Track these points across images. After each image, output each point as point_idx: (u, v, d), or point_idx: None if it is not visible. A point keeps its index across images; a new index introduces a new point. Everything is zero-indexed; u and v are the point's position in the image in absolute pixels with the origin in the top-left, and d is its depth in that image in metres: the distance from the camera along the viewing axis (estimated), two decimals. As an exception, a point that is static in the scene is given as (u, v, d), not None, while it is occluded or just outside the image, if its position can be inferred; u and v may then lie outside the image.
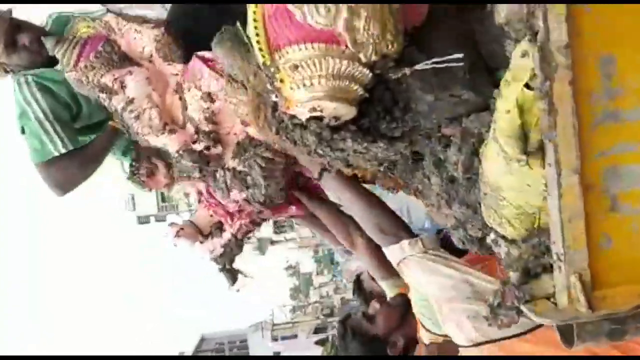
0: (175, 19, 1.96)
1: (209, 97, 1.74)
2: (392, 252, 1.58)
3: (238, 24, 1.27)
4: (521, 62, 0.98)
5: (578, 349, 1.05)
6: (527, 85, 0.96)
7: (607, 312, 0.99)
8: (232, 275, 2.39)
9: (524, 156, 0.97)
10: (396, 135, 1.25)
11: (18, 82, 2.00)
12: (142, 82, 1.86)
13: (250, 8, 1.13)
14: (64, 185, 2.01)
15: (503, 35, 1.10)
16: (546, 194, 1.02)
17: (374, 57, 1.11)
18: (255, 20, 1.12)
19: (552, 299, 1.02)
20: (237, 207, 2.12)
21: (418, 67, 1.17)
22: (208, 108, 1.76)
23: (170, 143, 1.83)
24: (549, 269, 1.05)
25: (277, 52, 1.13)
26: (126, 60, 1.91)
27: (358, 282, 2.80)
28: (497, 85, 1.22)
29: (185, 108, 1.81)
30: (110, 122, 2.02)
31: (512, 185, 1.09)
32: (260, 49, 1.13)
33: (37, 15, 2.19)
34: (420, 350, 2.00)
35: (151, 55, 1.89)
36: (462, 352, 1.52)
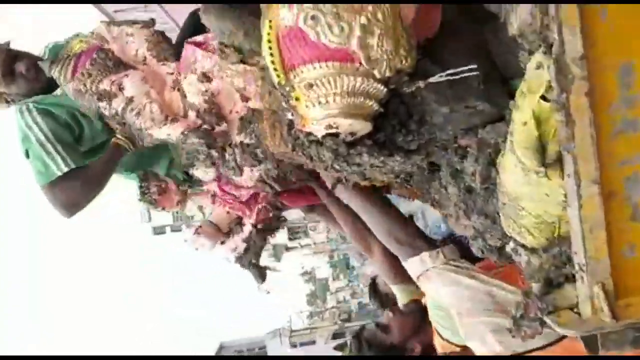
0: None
1: (205, 77, 1.72)
2: (412, 265, 1.56)
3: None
4: (536, 74, 0.98)
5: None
6: (543, 97, 0.96)
7: (631, 321, 0.99)
8: (260, 272, 2.36)
9: (542, 168, 0.97)
10: (412, 148, 1.26)
11: (20, 110, 2.04)
12: (139, 82, 1.86)
13: (265, 29, 1.14)
14: (70, 206, 2.01)
15: (516, 46, 1.10)
16: (566, 203, 1.02)
17: (388, 73, 1.12)
18: (269, 41, 1.13)
19: (575, 309, 1.02)
20: (250, 193, 2.10)
21: (432, 79, 1.17)
22: (206, 90, 1.74)
23: (173, 131, 1.80)
24: (571, 278, 1.05)
25: (292, 72, 1.14)
26: (121, 65, 1.93)
27: (374, 286, 2.79)
28: (511, 94, 1.23)
29: (184, 96, 1.79)
30: (113, 139, 2.02)
31: (531, 195, 1.09)
32: (275, 69, 1.14)
33: (36, 47, 2.23)
34: None
35: (145, 58, 1.91)
36: None
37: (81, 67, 1.90)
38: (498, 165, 1.19)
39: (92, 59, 1.90)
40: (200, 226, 2.20)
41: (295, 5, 1.09)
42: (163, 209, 2.29)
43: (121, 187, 2.42)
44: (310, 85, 1.12)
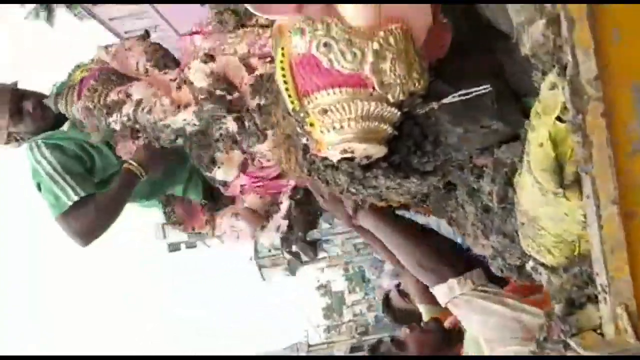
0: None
1: (208, 57, 1.70)
2: (440, 292, 1.54)
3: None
4: (551, 95, 0.98)
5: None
6: (558, 118, 0.96)
7: (657, 341, 0.97)
8: (310, 247, 2.31)
9: (560, 189, 0.97)
10: (428, 169, 1.26)
11: (29, 147, 2.08)
12: (145, 87, 1.87)
13: (277, 57, 1.15)
14: (84, 234, 2.01)
15: (529, 66, 1.10)
16: (585, 223, 1.01)
17: (401, 97, 1.12)
18: (282, 68, 1.14)
19: (598, 331, 1.01)
20: (277, 169, 2.01)
21: (445, 100, 1.17)
22: (212, 72, 1.71)
23: (188, 114, 1.75)
24: (593, 299, 1.04)
25: (306, 98, 1.15)
26: (125, 78, 1.95)
27: (387, 301, 2.77)
28: (525, 112, 1.23)
29: (191, 84, 1.76)
30: (124, 165, 2.02)
31: (550, 215, 1.09)
32: (289, 96, 1.15)
33: (44, 86, 2.26)
34: None
35: (147, 70, 1.93)
36: None
37: (85, 86, 1.93)
38: (515, 185, 1.18)
39: (96, 76, 1.94)
40: (238, 213, 2.12)
41: (307, 33, 1.10)
42: (193, 229, 2.25)
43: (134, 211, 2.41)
44: (325, 111, 1.13)
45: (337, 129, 1.14)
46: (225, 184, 2.05)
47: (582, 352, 0.99)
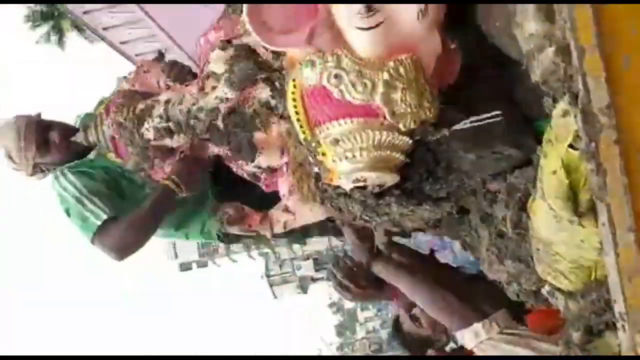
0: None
1: (225, 42, 1.63)
2: (466, 337, 1.50)
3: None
4: (563, 122, 0.98)
5: None
6: (570, 145, 0.96)
7: (676, 369, 0.96)
8: None
9: (575, 217, 0.97)
10: (441, 195, 1.26)
11: (55, 176, 2.10)
12: (171, 93, 1.84)
13: (289, 88, 1.17)
14: (118, 250, 1.99)
15: (540, 91, 1.10)
16: (601, 249, 1.00)
17: (412, 125, 1.13)
18: (294, 99, 1.15)
19: (618, 358, 1.00)
20: None
21: (457, 127, 1.18)
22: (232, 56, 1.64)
23: (219, 91, 1.66)
24: (612, 326, 1.03)
25: (318, 128, 1.16)
26: (148, 94, 1.94)
27: (397, 325, 2.73)
28: (537, 136, 1.23)
29: (214, 74, 1.68)
30: (161, 182, 1.97)
31: (565, 241, 1.08)
32: (301, 126, 1.16)
33: (67, 117, 2.30)
34: None
35: (168, 86, 1.94)
36: None
37: (113, 107, 1.93)
38: (529, 210, 1.18)
39: (120, 96, 1.95)
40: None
41: (318, 65, 1.11)
42: (250, 226, 2.18)
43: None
44: (337, 141, 1.14)
45: (349, 158, 1.14)
46: (271, 171, 1.99)
47: (602, 381, 0.98)
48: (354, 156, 1.14)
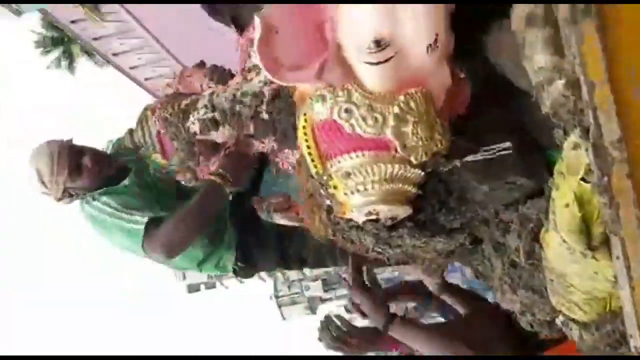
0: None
1: None
2: None
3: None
4: (574, 155, 0.99)
5: None
6: (583, 179, 0.96)
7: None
8: None
9: (588, 251, 0.97)
10: (455, 226, 1.26)
11: (85, 202, 2.11)
12: (215, 89, 1.86)
13: (300, 122, 1.17)
14: (165, 249, 1.97)
15: (551, 122, 1.10)
16: (616, 281, 1.00)
17: (424, 158, 1.13)
18: (305, 133, 1.16)
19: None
20: None
21: (468, 159, 1.18)
22: None
23: (262, 76, 1.66)
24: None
25: (329, 161, 1.16)
26: (192, 94, 1.96)
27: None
28: (549, 165, 1.23)
29: (255, 66, 1.70)
30: (210, 177, 1.97)
31: (579, 273, 1.08)
32: (312, 160, 1.17)
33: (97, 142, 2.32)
34: None
35: (210, 86, 1.97)
36: None
37: (158, 106, 1.95)
38: (541, 241, 1.18)
39: (165, 97, 1.99)
40: None
41: (328, 99, 1.12)
42: (297, 213, 2.16)
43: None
44: (348, 174, 1.14)
45: (361, 191, 1.15)
46: None
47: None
48: (365, 189, 1.14)
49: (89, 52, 18.17)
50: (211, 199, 2.00)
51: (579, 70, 0.90)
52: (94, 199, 2.09)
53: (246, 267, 2.35)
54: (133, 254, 2.14)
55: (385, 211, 1.17)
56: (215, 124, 1.80)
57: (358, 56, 1.09)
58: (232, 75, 1.98)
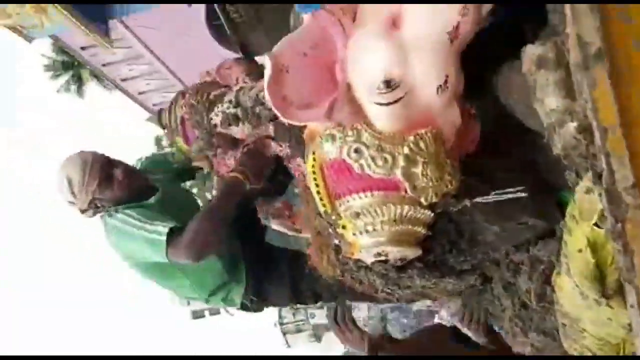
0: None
1: None
2: None
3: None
4: (587, 199, 0.97)
5: None
6: (596, 224, 0.95)
7: None
8: None
9: (602, 299, 0.95)
10: (465, 268, 1.24)
11: (108, 215, 2.11)
12: (245, 84, 1.91)
13: (309, 161, 1.17)
14: (191, 252, 1.92)
15: (563, 164, 1.09)
16: (630, 328, 0.98)
17: (434, 199, 1.12)
18: (314, 172, 1.15)
19: None
20: None
21: (479, 200, 1.17)
22: None
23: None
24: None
25: (338, 201, 1.15)
26: (226, 86, 2.00)
27: None
28: (561, 205, 1.21)
29: None
30: (231, 174, 1.95)
31: (592, 318, 1.06)
32: (321, 199, 1.16)
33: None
34: None
35: (245, 82, 1.97)
36: None
37: (189, 91, 2.00)
38: (553, 284, 1.16)
39: (200, 83, 2.03)
40: None
41: (338, 139, 1.11)
42: (294, 224, 2.16)
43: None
44: (357, 214, 1.13)
45: (370, 232, 1.13)
46: None
47: None
48: (374, 230, 1.13)
49: (98, 77, 18.36)
50: (231, 196, 1.98)
51: (591, 115, 0.89)
52: (121, 212, 2.08)
53: (258, 301, 2.33)
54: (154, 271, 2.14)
55: (394, 252, 1.16)
56: (236, 119, 1.83)
57: (368, 96, 1.09)
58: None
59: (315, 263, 1.31)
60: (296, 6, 1.25)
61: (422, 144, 1.09)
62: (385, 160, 1.09)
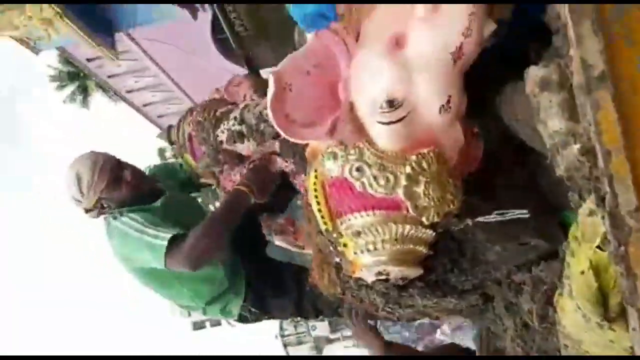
0: None
1: None
2: None
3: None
4: (589, 221, 0.97)
5: None
6: (599, 247, 0.94)
7: None
8: None
9: (605, 322, 0.94)
10: (467, 287, 1.23)
11: (113, 217, 2.11)
12: (252, 102, 1.93)
13: (311, 179, 1.17)
14: (190, 260, 1.93)
15: (566, 185, 1.09)
16: (632, 351, 0.97)
17: (436, 219, 1.12)
18: (315, 189, 1.15)
19: None
20: None
21: (481, 219, 1.16)
22: None
23: None
24: None
25: (339, 219, 1.15)
26: (233, 103, 2.01)
27: None
28: (563, 225, 1.20)
29: None
30: (235, 187, 1.96)
31: (594, 340, 1.05)
32: (322, 217, 1.16)
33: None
34: None
35: (253, 99, 1.99)
36: None
37: (197, 108, 2.03)
38: (555, 305, 1.15)
39: (208, 100, 2.06)
40: None
41: (340, 157, 1.11)
42: (296, 239, 2.17)
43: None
44: (358, 233, 1.13)
45: (371, 251, 1.13)
46: None
47: None
48: (375, 249, 1.13)
49: (103, 88, 18.48)
50: (235, 209, 1.99)
51: (595, 138, 0.89)
52: (121, 215, 2.09)
53: (258, 313, 2.32)
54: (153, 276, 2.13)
55: (395, 271, 1.15)
56: (241, 136, 1.85)
57: (370, 115, 1.09)
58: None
59: (316, 280, 1.31)
60: (300, 24, 1.26)
61: (424, 164, 1.09)
62: (387, 179, 1.09)
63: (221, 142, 1.89)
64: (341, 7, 1.19)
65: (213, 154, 1.94)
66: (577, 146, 0.98)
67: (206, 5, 3.48)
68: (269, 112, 1.12)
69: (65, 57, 14.10)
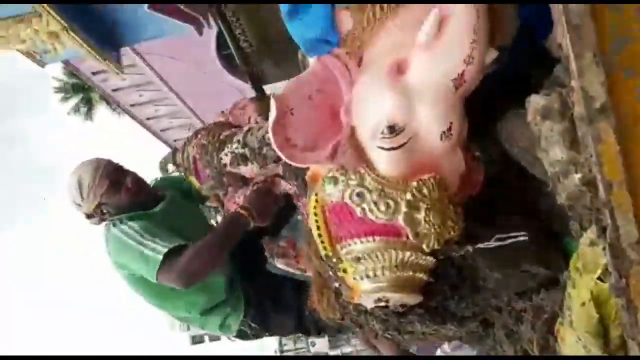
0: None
1: None
2: None
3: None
4: (590, 252, 0.96)
5: None
6: (600, 278, 0.93)
7: None
8: None
9: (606, 354, 0.93)
10: (467, 314, 1.22)
11: (112, 224, 2.12)
12: (256, 125, 1.94)
13: (311, 203, 1.16)
14: (183, 278, 1.94)
15: (567, 212, 1.08)
16: (634, 383, 0.96)
17: (436, 246, 1.11)
18: (315, 214, 1.15)
19: None
20: None
21: (481, 245, 1.16)
22: None
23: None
24: None
25: (339, 244, 1.14)
26: (238, 127, 2.03)
27: None
28: (565, 252, 1.20)
29: None
30: (235, 211, 1.97)
31: (595, 371, 1.03)
32: (322, 242, 1.15)
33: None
34: None
35: (257, 122, 2.01)
36: None
37: (202, 132, 2.04)
38: (556, 334, 1.14)
39: (213, 124, 2.08)
40: None
41: (340, 182, 1.11)
42: (298, 262, 2.17)
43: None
44: (358, 259, 1.12)
45: (371, 277, 1.12)
46: None
47: None
48: (375, 275, 1.12)
49: (107, 100, 18.56)
50: (232, 231, 2.00)
51: (596, 169, 0.89)
52: (121, 222, 2.10)
53: (259, 330, 2.31)
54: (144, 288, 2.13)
55: (395, 298, 1.14)
56: (244, 159, 1.87)
57: (371, 141, 1.09)
58: None
59: (315, 304, 1.30)
60: (301, 48, 1.26)
61: (425, 190, 1.09)
62: (388, 205, 1.08)
63: (225, 165, 1.91)
64: (343, 32, 1.19)
65: (217, 177, 1.96)
66: (578, 176, 0.98)
67: (211, 21, 3.51)
68: (270, 135, 1.12)
69: (70, 70, 14.20)
